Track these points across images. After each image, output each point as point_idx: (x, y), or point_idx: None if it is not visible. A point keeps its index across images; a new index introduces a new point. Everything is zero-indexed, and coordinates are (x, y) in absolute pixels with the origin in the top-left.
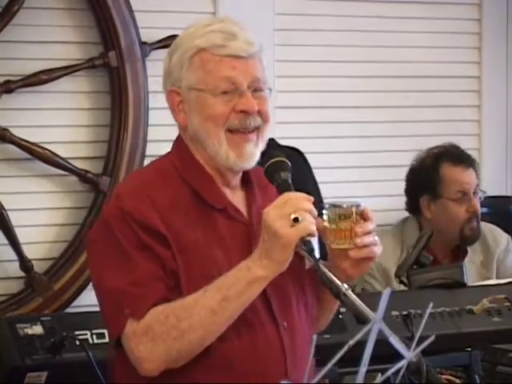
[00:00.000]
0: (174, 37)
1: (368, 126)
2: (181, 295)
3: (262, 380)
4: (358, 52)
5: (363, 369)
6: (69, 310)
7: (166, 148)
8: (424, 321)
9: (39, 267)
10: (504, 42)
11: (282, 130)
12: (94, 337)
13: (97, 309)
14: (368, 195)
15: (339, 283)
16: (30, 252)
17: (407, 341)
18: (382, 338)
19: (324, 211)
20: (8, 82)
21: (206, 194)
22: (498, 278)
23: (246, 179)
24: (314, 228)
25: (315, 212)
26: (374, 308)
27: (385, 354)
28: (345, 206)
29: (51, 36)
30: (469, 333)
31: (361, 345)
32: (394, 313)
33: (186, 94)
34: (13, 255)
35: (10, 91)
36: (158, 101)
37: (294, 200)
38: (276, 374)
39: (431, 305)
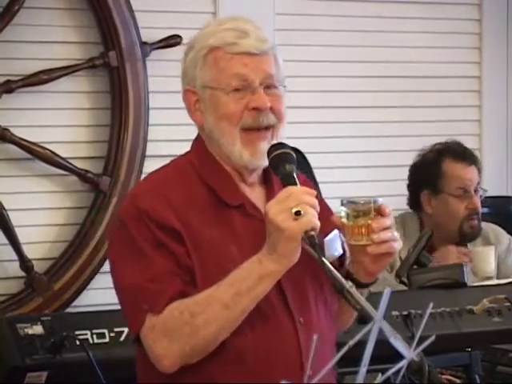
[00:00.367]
0: (174, 37)
1: (368, 126)
2: (197, 290)
3: (277, 375)
4: (359, 52)
5: (363, 369)
6: (69, 310)
7: (167, 148)
8: (424, 321)
9: (39, 267)
10: (504, 42)
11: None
12: (95, 337)
13: (96, 309)
14: (368, 195)
15: (343, 280)
16: (30, 252)
17: (408, 341)
18: (383, 338)
19: (341, 208)
20: (8, 81)
21: (223, 192)
22: (498, 277)
23: (267, 176)
24: (316, 222)
25: (318, 206)
26: (376, 306)
27: (385, 353)
28: (362, 202)
29: (51, 36)
30: (469, 333)
31: (362, 344)
32: (395, 313)
33: (201, 92)
34: (13, 255)
35: (10, 91)
36: (158, 101)
37: (296, 194)
38: (291, 369)
39: (431, 305)
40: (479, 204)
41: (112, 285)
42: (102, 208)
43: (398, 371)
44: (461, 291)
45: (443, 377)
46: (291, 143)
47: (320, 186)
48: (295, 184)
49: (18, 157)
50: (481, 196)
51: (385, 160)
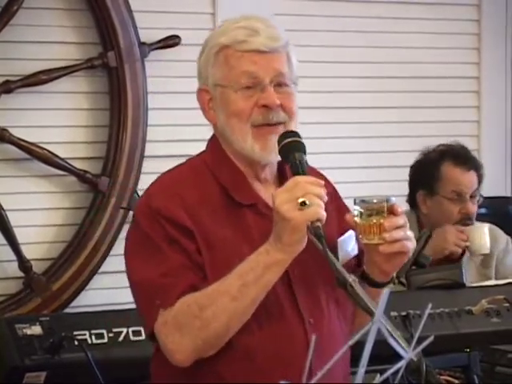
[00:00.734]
0: (173, 37)
1: (367, 126)
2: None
3: (284, 373)
4: (357, 53)
5: (362, 369)
6: (67, 311)
7: (165, 148)
8: (423, 321)
9: (38, 267)
10: (503, 43)
11: None
12: (93, 337)
13: (95, 309)
14: (368, 196)
15: (346, 274)
16: (28, 252)
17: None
18: (381, 338)
19: (354, 206)
20: (7, 82)
21: (235, 191)
22: (496, 278)
23: (282, 174)
24: (322, 213)
25: (325, 197)
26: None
27: (384, 354)
28: (375, 201)
29: (50, 36)
30: (468, 333)
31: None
32: (393, 313)
33: (213, 91)
34: (12, 255)
35: (9, 91)
36: (157, 101)
37: (303, 184)
38: (298, 369)
39: (430, 305)
40: (473, 209)
41: (111, 285)
42: (101, 208)
43: (397, 372)
44: (459, 292)
45: (442, 377)
46: None
47: None
48: (304, 173)
49: (16, 157)
50: (478, 201)
51: (384, 160)
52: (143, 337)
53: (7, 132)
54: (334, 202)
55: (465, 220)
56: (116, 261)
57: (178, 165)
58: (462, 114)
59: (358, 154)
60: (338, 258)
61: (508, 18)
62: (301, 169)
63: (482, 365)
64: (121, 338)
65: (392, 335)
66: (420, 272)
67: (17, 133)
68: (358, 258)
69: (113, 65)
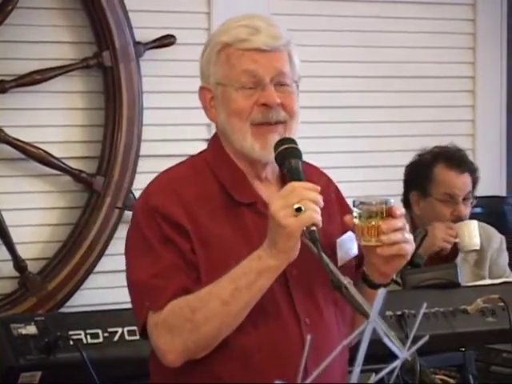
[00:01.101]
0: (168, 37)
1: (362, 126)
2: (201, 287)
3: (280, 373)
4: (353, 52)
5: (357, 369)
6: (63, 310)
7: (160, 148)
8: (418, 321)
9: (33, 267)
10: (498, 43)
11: None
12: (88, 337)
13: (90, 309)
14: (363, 195)
15: (341, 276)
16: (23, 252)
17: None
18: (377, 338)
19: (353, 208)
20: (2, 81)
21: (235, 190)
22: (490, 277)
23: (283, 174)
24: (318, 217)
25: (321, 202)
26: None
27: (379, 353)
28: (374, 202)
29: (45, 36)
30: (463, 333)
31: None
32: (388, 313)
33: (214, 89)
34: (7, 255)
35: (3, 91)
36: (151, 101)
37: (299, 190)
38: (294, 369)
39: (425, 305)
40: (466, 212)
41: (106, 285)
42: (96, 208)
43: (392, 371)
44: (455, 291)
45: (437, 377)
46: None
47: None
48: (300, 179)
49: (11, 157)
50: (471, 203)
51: (380, 160)
52: (138, 337)
53: (2, 132)
54: (337, 201)
55: (456, 223)
56: (111, 260)
57: (178, 163)
58: (457, 114)
59: (353, 154)
60: (336, 259)
61: (503, 18)
62: (297, 175)
63: (477, 364)
64: (116, 338)
65: (387, 335)
66: (415, 271)
67: (12, 132)
68: (359, 259)
69: (108, 64)
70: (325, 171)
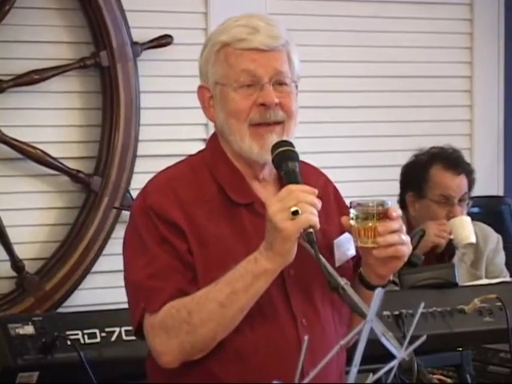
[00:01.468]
0: (165, 37)
1: (360, 125)
2: (198, 288)
3: (277, 374)
4: (350, 52)
5: (354, 369)
6: (60, 310)
7: (158, 148)
8: (415, 321)
9: (30, 267)
10: (495, 42)
11: None
12: (86, 337)
13: (88, 309)
14: (360, 195)
15: (338, 277)
16: (21, 252)
17: (399, 341)
18: (374, 338)
19: (351, 209)
20: None
21: (232, 190)
22: (487, 277)
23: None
24: (314, 219)
25: (319, 205)
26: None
27: (377, 353)
28: (370, 204)
29: (42, 36)
30: (460, 333)
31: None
32: (386, 313)
33: (213, 89)
34: (4, 255)
35: (1, 91)
36: (149, 101)
37: (296, 192)
38: (291, 370)
39: (422, 305)
40: (462, 214)
41: (103, 285)
42: (94, 208)
43: (390, 371)
44: (452, 291)
45: (434, 376)
46: None
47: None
48: (297, 182)
49: (9, 157)
50: (467, 205)
51: (377, 160)
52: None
53: None
54: (335, 201)
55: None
56: (109, 260)
57: (176, 162)
58: (455, 113)
59: (351, 154)
60: (334, 260)
61: (500, 17)
62: (294, 177)
63: (474, 364)
64: (113, 338)
65: (384, 335)
66: (413, 271)
67: (9, 132)
68: (356, 260)
69: (105, 64)
70: (323, 171)
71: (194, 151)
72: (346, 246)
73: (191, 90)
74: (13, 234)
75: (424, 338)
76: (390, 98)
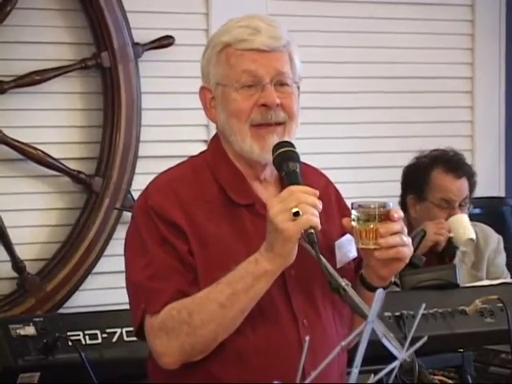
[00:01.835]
0: (166, 37)
1: (360, 127)
2: (198, 288)
3: (278, 374)
4: (350, 53)
5: (355, 370)
6: (61, 311)
7: (159, 149)
8: (416, 322)
9: (32, 268)
10: (497, 43)
11: None
12: (87, 337)
13: (89, 309)
14: (359, 196)
15: (339, 278)
16: (22, 253)
17: (400, 342)
18: (375, 339)
19: (352, 211)
20: (0, 82)
21: (233, 191)
22: (487, 278)
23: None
24: (316, 220)
25: (320, 206)
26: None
27: (378, 354)
28: (372, 206)
29: (44, 37)
30: (461, 334)
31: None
32: (387, 314)
33: (214, 89)
34: (5, 256)
35: (2, 92)
36: (150, 101)
37: (297, 194)
38: (292, 370)
39: (424, 306)
40: None
41: (104, 286)
42: (95, 209)
43: (391, 372)
44: (453, 292)
45: (436, 377)
46: None
47: None
48: (298, 182)
49: (10, 157)
50: (468, 208)
51: (378, 161)
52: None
53: (0, 132)
54: (336, 202)
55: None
56: (110, 261)
57: (178, 163)
58: (456, 115)
59: (352, 155)
60: (335, 261)
61: (501, 19)
62: (295, 178)
63: (475, 365)
64: (114, 339)
65: (385, 336)
66: (414, 272)
67: (10, 133)
68: (358, 261)
69: (106, 65)
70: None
71: (195, 152)
72: (348, 248)
73: (192, 90)
74: (14, 235)
75: (425, 339)
76: (391, 99)
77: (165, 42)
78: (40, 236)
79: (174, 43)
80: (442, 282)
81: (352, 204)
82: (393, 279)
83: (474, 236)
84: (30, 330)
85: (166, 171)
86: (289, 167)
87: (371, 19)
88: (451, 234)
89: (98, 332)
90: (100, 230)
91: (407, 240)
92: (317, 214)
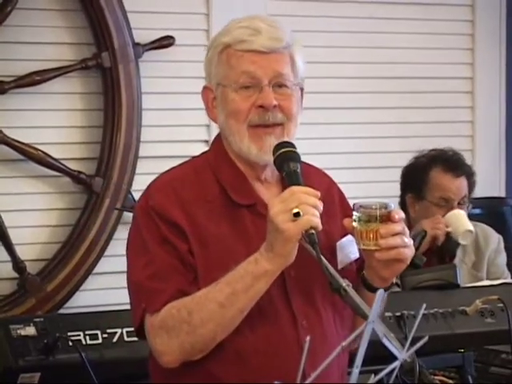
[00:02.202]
0: (167, 38)
1: (360, 127)
2: (198, 288)
3: (277, 375)
4: (350, 53)
5: (356, 370)
6: (62, 311)
7: (159, 149)
8: (417, 322)
9: (32, 268)
10: (497, 43)
11: None
12: (87, 338)
13: (89, 310)
14: (360, 196)
15: (340, 278)
16: (22, 253)
17: (401, 342)
18: (376, 339)
19: (353, 212)
20: (1, 82)
21: (234, 191)
22: (488, 278)
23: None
24: (315, 220)
25: (320, 207)
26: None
27: (379, 354)
28: (373, 207)
29: (44, 37)
30: (462, 334)
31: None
32: (388, 314)
33: (216, 90)
34: (6, 256)
35: (3, 92)
36: (150, 102)
37: (298, 194)
38: (291, 371)
39: (424, 306)
40: None
41: (105, 286)
42: (95, 209)
43: (391, 372)
44: (453, 292)
45: (436, 378)
46: None
47: None
48: (299, 182)
49: (10, 158)
50: (467, 207)
51: (378, 161)
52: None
53: (1, 133)
54: (340, 203)
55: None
56: (110, 262)
57: (181, 163)
58: (456, 115)
59: (352, 155)
60: (336, 262)
61: (502, 19)
62: (296, 179)
63: (476, 365)
64: (115, 339)
65: (386, 336)
66: (414, 272)
67: (11, 133)
68: (360, 262)
69: (107, 65)
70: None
71: (195, 152)
72: (349, 249)
73: (193, 91)
74: (14, 235)
75: (426, 339)
76: (392, 99)
77: (165, 42)
78: (40, 236)
79: (175, 43)
80: (443, 282)
81: (353, 205)
82: (394, 280)
83: (471, 228)
84: (31, 331)
85: (167, 171)
86: (290, 167)
87: (371, 19)
88: (449, 229)
89: (98, 332)
90: (100, 231)
91: (408, 241)
92: (317, 214)
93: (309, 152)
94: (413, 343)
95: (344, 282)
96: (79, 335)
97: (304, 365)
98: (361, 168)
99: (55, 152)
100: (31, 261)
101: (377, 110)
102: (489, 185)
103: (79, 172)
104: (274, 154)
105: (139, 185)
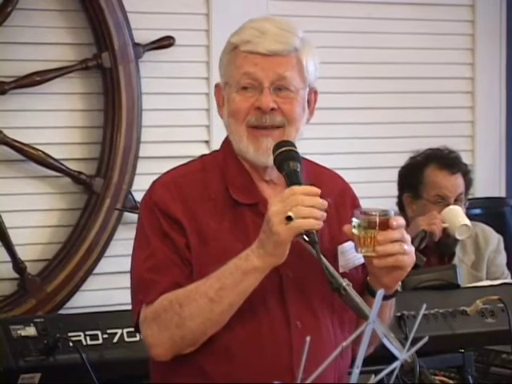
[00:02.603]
0: (167, 38)
1: (360, 127)
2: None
3: (264, 373)
4: (351, 53)
5: (356, 370)
6: (62, 312)
7: (159, 149)
8: (417, 322)
9: (32, 269)
10: (497, 43)
11: None
12: (88, 338)
13: (90, 310)
14: (360, 196)
15: (340, 278)
16: (23, 253)
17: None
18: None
19: (353, 218)
20: (1, 83)
21: (236, 190)
22: (488, 278)
23: None
24: (310, 224)
25: (321, 205)
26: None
27: (379, 354)
28: (373, 213)
29: (44, 37)
30: (462, 334)
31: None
32: None
33: (223, 88)
34: (6, 256)
35: (3, 92)
36: (151, 102)
37: (297, 195)
38: (279, 370)
39: (425, 306)
40: None
41: (105, 286)
42: (95, 209)
43: (392, 372)
44: (454, 292)
45: (436, 378)
46: None
47: None
48: (298, 181)
49: (10, 158)
50: (465, 205)
51: (378, 161)
52: (137, 338)
53: (1, 133)
54: (352, 207)
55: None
56: (111, 262)
57: (190, 160)
58: (457, 115)
59: (352, 155)
60: (337, 264)
61: (502, 19)
62: (295, 178)
63: (476, 365)
64: (115, 339)
65: (386, 336)
66: (414, 273)
67: (11, 134)
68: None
69: (107, 66)
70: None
71: (195, 153)
72: (351, 253)
73: (193, 91)
74: (14, 236)
75: (426, 339)
76: (392, 99)
77: (165, 42)
78: (41, 237)
79: (175, 44)
80: (443, 282)
81: (355, 211)
82: (399, 288)
83: (468, 222)
84: (31, 331)
85: (175, 167)
86: (289, 167)
87: (371, 19)
88: (446, 225)
89: (98, 333)
90: (101, 231)
91: (408, 248)
92: (316, 214)
93: (309, 152)
94: (413, 343)
95: (344, 282)
96: (79, 336)
97: (293, 366)
98: (361, 168)
99: (55, 152)
100: (31, 261)
101: (376, 110)
102: (489, 185)
103: (79, 172)
104: (273, 154)
105: (139, 185)
